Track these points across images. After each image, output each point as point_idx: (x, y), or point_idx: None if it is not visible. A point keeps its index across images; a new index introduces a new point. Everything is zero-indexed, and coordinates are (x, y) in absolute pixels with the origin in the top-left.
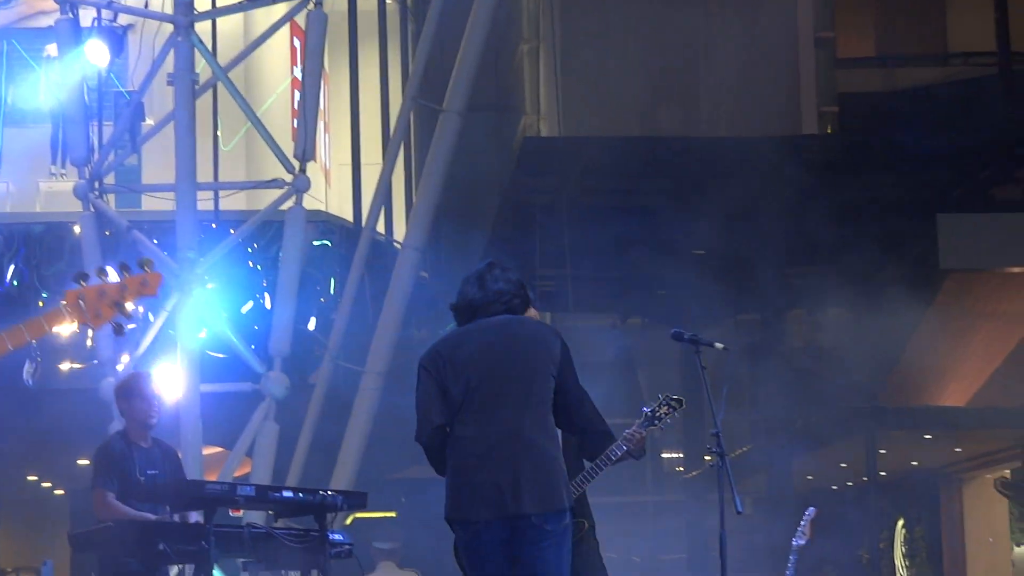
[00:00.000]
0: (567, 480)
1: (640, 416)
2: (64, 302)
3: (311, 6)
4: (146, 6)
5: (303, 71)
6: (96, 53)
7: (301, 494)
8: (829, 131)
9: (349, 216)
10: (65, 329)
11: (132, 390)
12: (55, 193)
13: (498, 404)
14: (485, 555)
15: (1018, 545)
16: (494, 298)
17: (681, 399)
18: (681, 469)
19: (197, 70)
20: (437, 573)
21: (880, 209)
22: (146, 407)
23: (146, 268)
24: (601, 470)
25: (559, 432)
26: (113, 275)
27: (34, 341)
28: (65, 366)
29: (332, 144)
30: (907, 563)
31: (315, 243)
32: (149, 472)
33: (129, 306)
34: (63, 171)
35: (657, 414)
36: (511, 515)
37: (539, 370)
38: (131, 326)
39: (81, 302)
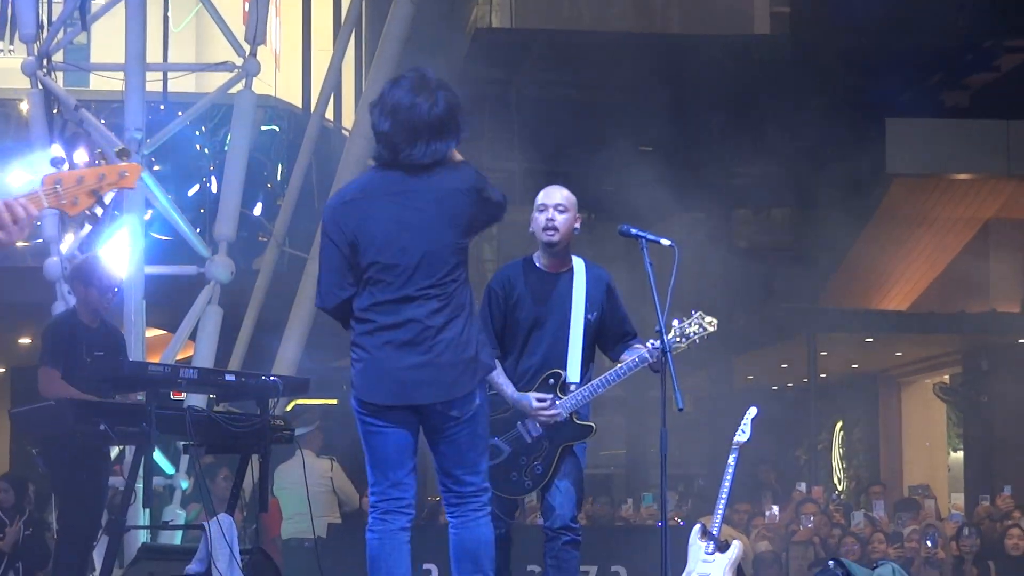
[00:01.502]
0: (478, 355)
1: (671, 331)
2: (42, 187)
3: None
4: None
5: None
6: None
7: (243, 378)
8: (780, 32)
9: (298, 102)
10: (39, 213)
11: (90, 276)
12: (2, 69)
13: (398, 287)
14: (382, 427)
15: (954, 450)
16: (416, 155)
17: (714, 320)
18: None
19: None
20: (359, 461)
21: (829, 111)
22: (100, 294)
23: (123, 158)
24: (613, 381)
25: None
26: (83, 156)
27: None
28: None
29: (283, 29)
30: (844, 464)
31: (263, 128)
32: (96, 353)
33: (107, 196)
34: (11, 47)
35: (687, 332)
36: (415, 404)
37: (451, 243)
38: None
39: (58, 187)
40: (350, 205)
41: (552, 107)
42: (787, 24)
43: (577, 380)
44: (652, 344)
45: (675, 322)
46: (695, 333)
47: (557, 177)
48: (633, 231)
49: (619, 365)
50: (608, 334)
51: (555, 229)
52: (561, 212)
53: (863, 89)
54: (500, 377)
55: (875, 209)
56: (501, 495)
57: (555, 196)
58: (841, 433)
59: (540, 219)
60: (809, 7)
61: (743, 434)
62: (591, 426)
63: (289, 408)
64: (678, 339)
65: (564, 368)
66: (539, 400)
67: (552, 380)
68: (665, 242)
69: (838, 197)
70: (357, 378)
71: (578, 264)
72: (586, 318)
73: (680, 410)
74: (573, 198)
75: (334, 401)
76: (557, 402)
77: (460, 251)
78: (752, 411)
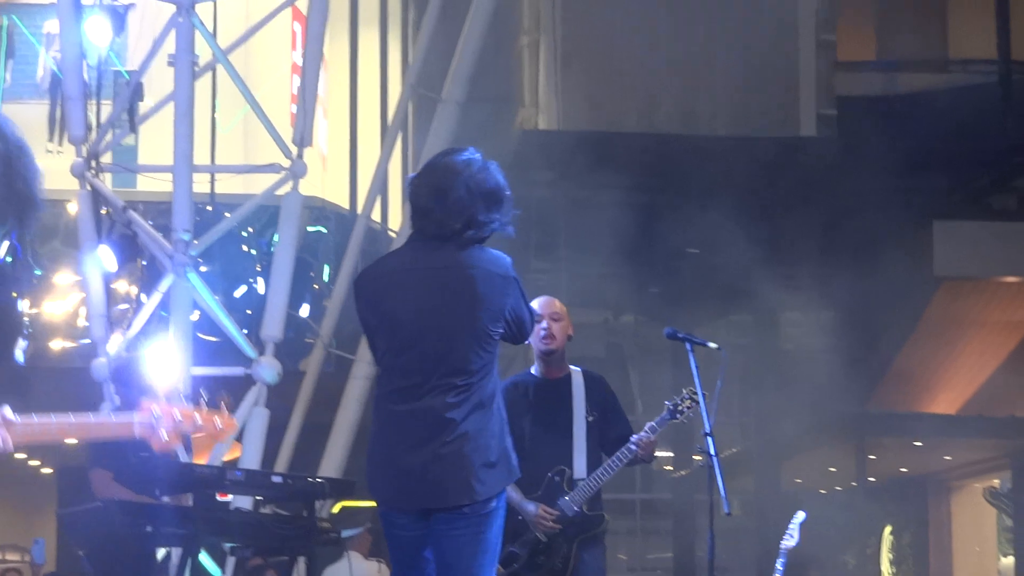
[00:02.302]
0: (506, 455)
1: (663, 410)
2: (138, 416)
3: None
4: None
5: (303, 56)
6: (97, 31)
7: (290, 480)
8: (827, 134)
9: (345, 203)
10: (125, 432)
11: (131, 377)
12: (52, 171)
13: (418, 376)
14: (396, 540)
15: (1004, 555)
16: (451, 218)
17: (704, 393)
18: (670, 468)
19: (197, 51)
20: None
21: (876, 214)
22: (140, 397)
23: (224, 405)
24: (613, 471)
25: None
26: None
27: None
28: (56, 344)
29: (330, 130)
30: (894, 570)
31: (310, 229)
32: (141, 454)
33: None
34: (60, 149)
35: (679, 408)
36: (422, 507)
37: (480, 334)
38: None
39: (154, 420)
40: (378, 279)
41: (599, 209)
42: (834, 126)
43: (584, 477)
44: (645, 430)
45: (667, 402)
46: (688, 407)
47: (604, 279)
48: (679, 334)
49: (619, 454)
50: (609, 436)
51: (552, 337)
52: (556, 320)
53: (910, 191)
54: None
55: (923, 312)
56: None
57: (550, 306)
58: (890, 537)
59: (536, 329)
60: (856, 109)
61: (791, 539)
62: (603, 515)
63: (336, 510)
64: (672, 418)
65: (570, 467)
66: (545, 511)
67: (558, 477)
68: (712, 345)
69: (886, 300)
70: (368, 467)
71: (575, 370)
72: (587, 419)
73: (727, 514)
74: (564, 307)
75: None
76: (565, 497)
77: (490, 339)
78: (800, 515)
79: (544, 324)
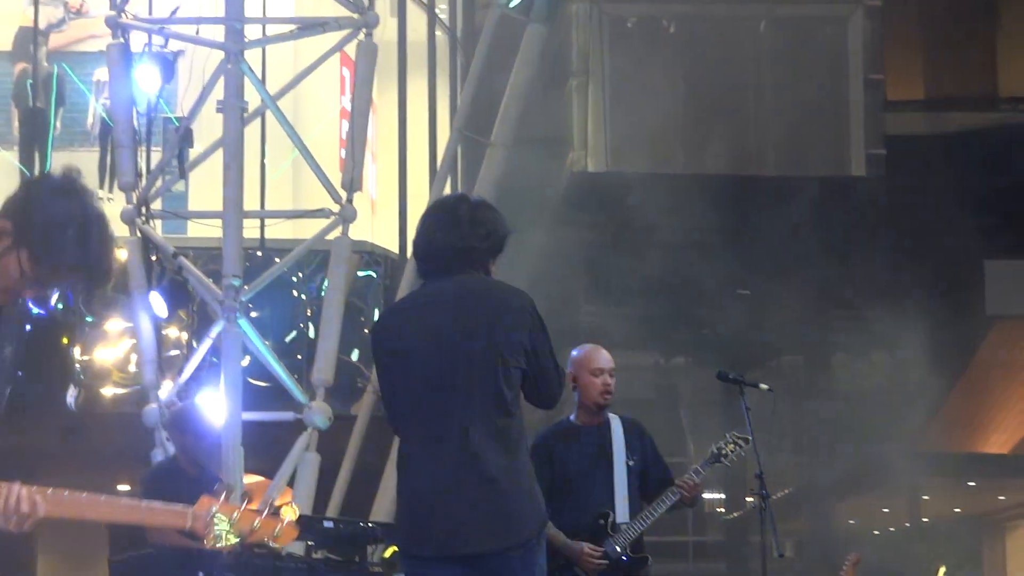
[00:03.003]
0: (533, 493)
1: (707, 455)
2: (196, 509)
3: (361, 36)
4: (197, 32)
5: (352, 101)
6: (146, 78)
7: (341, 525)
8: (876, 174)
9: (395, 247)
10: (177, 524)
11: (186, 423)
12: None
13: (444, 414)
14: None
15: None
16: (447, 246)
17: (747, 437)
18: (722, 510)
19: (246, 97)
20: None
21: (926, 254)
22: (196, 442)
23: (285, 515)
24: (656, 515)
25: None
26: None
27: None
28: (108, 391)
29: (379, 175)
30: None
31: (360, 273)
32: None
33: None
34: (110, 195)
35: (723, 452)
36: (465, 555)
37: (499, 366)
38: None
39: (210, 519)
40: (393, 317)
41: (648, 251)
42: (883, 166)
43: (627, 521)
44: (690, 473)
45: (712, 447)
46: (732, 452)
47: (654, 321)
48: (731, 376)
49: (663, 497)
50: (650, 479)
51: (611, 393)
52: (613, 375)
53: (961, 231)
54: (551, 528)
55: (975, 351)
56: None
57: (609, 360)
58: None
59: (597, 383)
60: (906, 148)
61: None
62: (647, 557)
63: (388, 554)
64: (716, 460)
65: (613, 511)
66: (592, 548)
67: (601, 521)
68: (763, 387)
69: (937, 340)
70: (399, 523)
71: (612, 417)
72: (627, 464)
73: (780, 556)
74: None
75: None
76: (610, 540)
77: (510, 370)
78: (854, 556)
79: (607, 380)
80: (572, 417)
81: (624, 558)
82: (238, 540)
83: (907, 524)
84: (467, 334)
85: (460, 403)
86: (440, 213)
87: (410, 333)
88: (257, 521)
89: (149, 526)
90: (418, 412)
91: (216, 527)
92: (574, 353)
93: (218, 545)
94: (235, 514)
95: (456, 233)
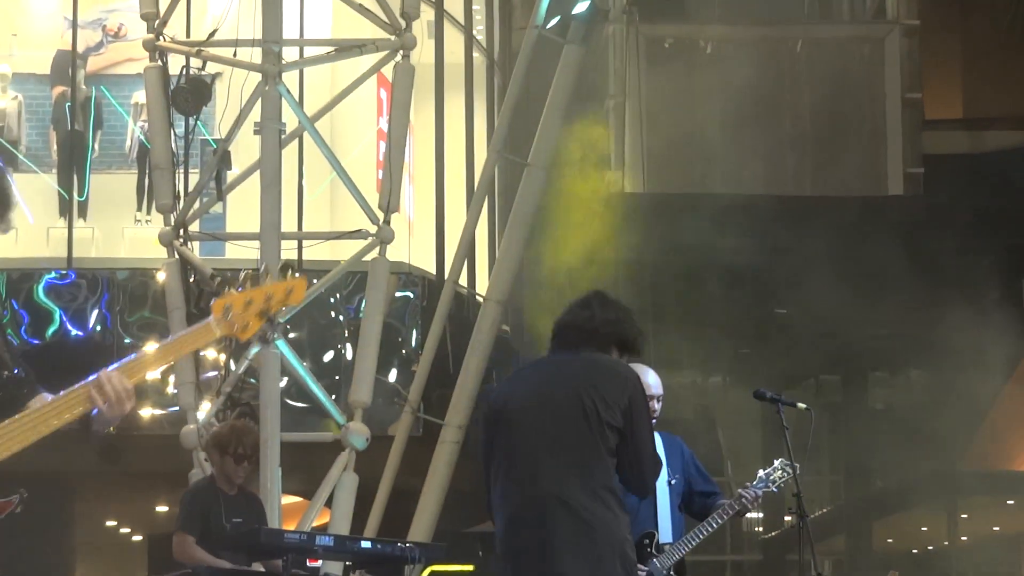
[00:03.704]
0: (624, 550)
1: (756, 479)
2: (213, 315)
3: (398, 58)
4: (234, 55)
5: (389, 122)
6: (184, 101)
7: (379, 545)
8: (915, 192)
9: (432, 268)
10: (211, 344)
11: (226, 444)
12: (140, 239)
13: (540, 461)
14: None
15: None
16: (575, 322)
17: (797, 466)
18: (760, 529)
19: (284, 119)
20: None
21: (965, 271)
22: (236, 463)
23: (289, 274)
24: (702, 536)
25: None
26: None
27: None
28: (146, 412)
29: (416, 196)
30: None
31: (398, 294)
32: (234, 520)
33: (277, 315)
34: (148, 218)
35: (772, 478)
36: None
37: (595, 420)
38: (277, 337)
39: (228, 314)
40: (512, 380)
41: (685, 270)
42: (921, 185)
43: (671, 540)
44: (750, 488)
45: (760, 472)
46: (779, 479)
47: (692, 341)
48: (768, 395)
49: (710, 518)
50: (694, 495)
51: (656, 419)
52: (660, 400)
53: (999, 248)
54: None
55: (1014, 369)
56: None
57: (659, 385)
58: None
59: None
60: (944, 167)
61: None
62: None
63: (426, 575)
64: (765, 486)
65: (656, 531)
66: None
67: (647, 540)
68: (801, 406)
69: (976, 357)
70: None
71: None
72: (669, 483)
73: (818, 575)
74: None
75: (470, 567)
76: (654, 561)
77: (608, 428)
78: (893, 574)
79: (655, 407)
80: None
81: None
82: (263, 319)
83: (945, 543)
84: (568, 388)
85: (555, 450)
86: (575, 301)
87: (520, 393)
88: (271, 294)
89: (188, 352)
90: (515, 459)
91: (239, 318)
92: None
93: (248, 332)
94: (248, 299)
95: (584, 315)
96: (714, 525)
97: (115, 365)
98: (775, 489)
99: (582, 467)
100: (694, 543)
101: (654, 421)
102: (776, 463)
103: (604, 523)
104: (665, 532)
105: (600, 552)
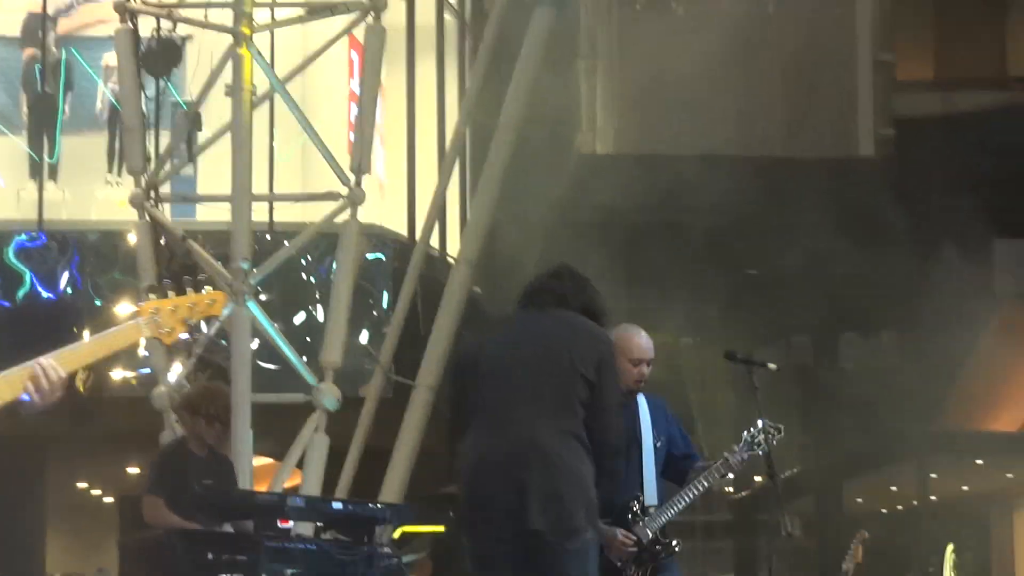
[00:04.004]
0: (589, 496)
1: (740, 441)
2: (141, 316)
3: (370, 20)
4: (205, 17)
5: (360, 84)
6: (154, 63)
7: (350, 506)
8: (886, 154)
9: (403, 230)
10: (134, 343)
11: (197, 407)
12: (111, 201)
13: (513, 408)
14: (491, 569)
15: None
16: (547, 286)
17: (780, 427)
18: (730, 490)
19: (255, 81)
20: None
21: (936, 233)
22: (206, 425)
23: (208, 287)
24: (689, 500)
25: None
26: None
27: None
28: (117, 374)
29: (388, 158)
30: None
31: (369, 256)
32: (204, 481)
33: (196, 324)
34: (119, 180)
35: (756, 440)
36: (520, 531)
37: (568, 371)
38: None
39: (156, 318)
40: (481, 338)
41: (656, 231)
42: (892, 146)
43: (656, 503)
44: (736, 451)
45: (744, 433)
46: (763, 441)
47: (662, 302)
48: (738, 356)
49: (697, 480)
50: (673, 459)
51: (644, 382)
52: (650, 364)
53: (970, 210)
54: None
55: (984, 330)
56: None
57: (650, 349)
58: (952, 557)
59: (633, 372)
60: (914, 129)
61: (851, 559)
62: (676, 541)
63: (396, 535)
64: (751, 450)
65: (641, 493)
66: (626, 535)
67: (634, 503)
68: (771, 366)
69: (946, 319)
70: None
71: (639, 395)
72: (655, 445)
73: (788, 535)
74: None
75: (441, 528)
76: (641, 523)
77: (581, 380)
78: (862, 534)
79: (643, 371)
80: None
81: (653, 541)
82: (186, 325)
83: (915, 503)
84: (542, 343)
85: (527, 399)
86: (545, 270)
87: (495, 345)
88: (195, 304)
89: (116, 349)
90: (487, 408)
91: (166, 322)
92: (614, 332)
93: (172, 337)
94: (174, 305)
95: (555, 283)
96: (700, 488)
97: (52, 355)
98: (760, 452)
99: (555, 415)
100: (680, 506)
101: (642, 384)
102: (759, 423)
103: (574, 470)
104: (651, 495)
105: (567, 499)
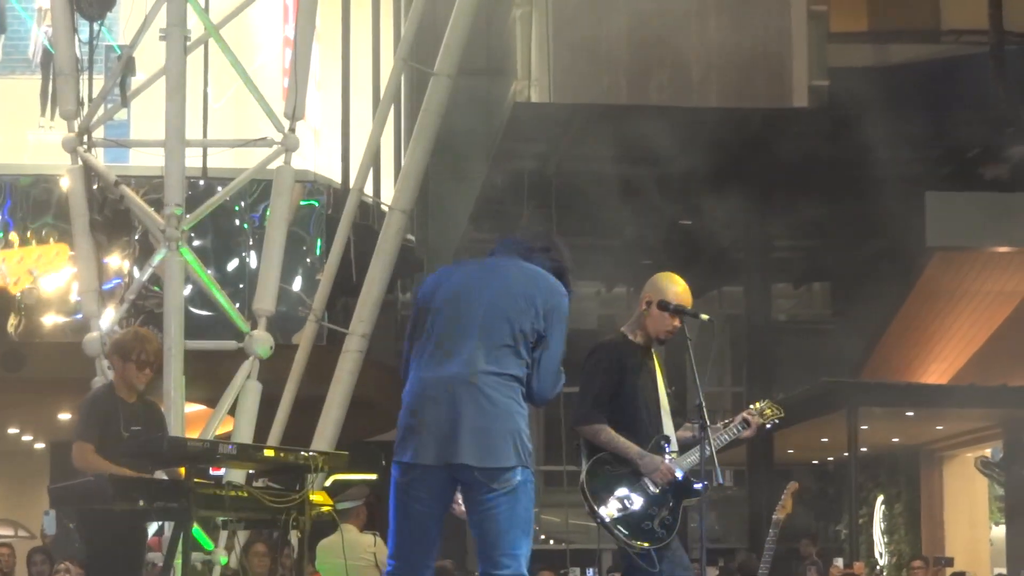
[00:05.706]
0: (522, 439)
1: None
2: None
3: None
4: None
5: (295, 29)
6: (88, 6)
7: (282, 453)
8: (819, 105)
9: (337, 177)
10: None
11: (128, 351)
12: (43, 146)
13: (459, 342)
14: (416, 495)
15: (996, 524)
16: (515, 242)
17: (782, 415)
18: None
19: (189, 26)
20: None
21: (868, 185)
22: (138, 369)
23: (52, 241)
24: (720, 444)
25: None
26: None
27: None
28: (49, 320)
29: (322, 104)
30: (885, 539)
31: (302, 203)
32: (133, 428)
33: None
34: (52, 124)
35: (764, 414)
36: (449, 463)
37: (520, 315)
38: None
39: (3, 266)
40: (440, 272)
41: (590, 181)
42: (826, 98)
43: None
44: (754, 412)
45: (752, 407)
46: (766, 418)
47: (596, 251)
48: (672, 306)
49: (726, 430)
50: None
51: (673, 333)
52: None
53: (902, 162)
54: (619, 440)
55: (915, 282)
56: (635, 543)
57: (689, 300)
58: (882, 507)
59: (669, 323)
60: (848, 81)
61: (782, 509)
62: (703, 486)
63: (328, 483)
64: (757, 417)
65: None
66: (669, 466)
67: (664, 442)
68: (704, 317)
69: (878, 270)
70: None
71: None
72: (668, 391)
73: (720, 484)
74: None
75: (373, 476)
76: (673, 461)
77: (530, 326)
78: (793, 485)
79: (679, 324)
80: (631, 335)
81: (698, 485)
82: (31, 276)
83: (845, 454)
84: (497, 285)
85: (473, 335)
86: (529, 228)
87: (452, 280)
88: (39, 253)
89: None
90: (432, 339)
91: (12, 272)
92: (660, 278)
93: (19, 286)
94: (20, 256)
95: (530, 234)
96: (730, 436)
97: None
98: (768, 425)
99: (498, 357)
100: (710, 451)
101: (671, 335)
102: (763, 402)
103: (506, 408)
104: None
105: (496, 436)
